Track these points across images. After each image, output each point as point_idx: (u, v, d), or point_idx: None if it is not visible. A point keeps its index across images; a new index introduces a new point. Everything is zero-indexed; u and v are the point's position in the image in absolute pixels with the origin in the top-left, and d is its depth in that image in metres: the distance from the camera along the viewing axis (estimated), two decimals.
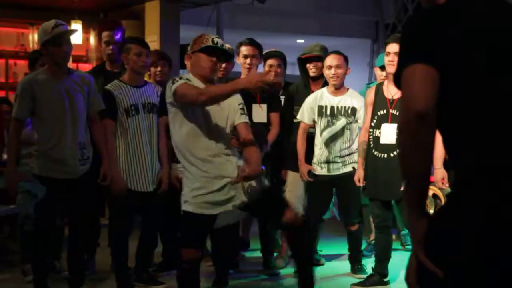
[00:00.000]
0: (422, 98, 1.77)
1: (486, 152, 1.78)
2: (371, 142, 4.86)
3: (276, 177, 5.37)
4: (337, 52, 5.29)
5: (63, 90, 4.36)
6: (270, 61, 5.46)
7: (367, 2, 12.23)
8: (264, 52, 5.47)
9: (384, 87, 4.90)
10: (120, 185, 4.55)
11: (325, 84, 5.37)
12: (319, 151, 5.22)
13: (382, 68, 5.69)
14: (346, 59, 5.25)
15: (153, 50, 6.16)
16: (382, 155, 4.78)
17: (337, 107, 5.18)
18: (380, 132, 4.80)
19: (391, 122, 4.75)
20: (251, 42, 5.29)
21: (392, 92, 4.81)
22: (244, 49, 5.26)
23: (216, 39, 3.93)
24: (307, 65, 5.46)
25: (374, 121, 4.85)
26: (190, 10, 8.93)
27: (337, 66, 5.15)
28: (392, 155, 4.69)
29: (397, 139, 4.60)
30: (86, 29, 8.76)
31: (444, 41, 1.81)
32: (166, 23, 8.32)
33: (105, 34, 5.23)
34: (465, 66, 1.81)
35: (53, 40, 4.29)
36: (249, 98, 4.81)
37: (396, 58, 4.67)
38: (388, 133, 4.75)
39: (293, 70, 7.30)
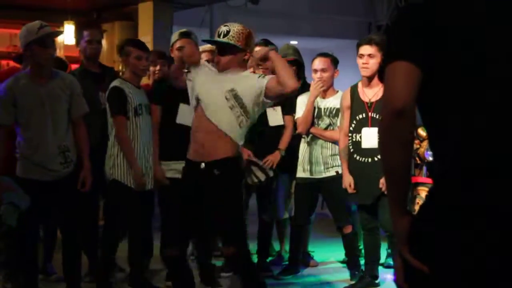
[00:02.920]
0: (401, 95, 1.78)
1: (462, 152, 1.78)
2: (351, 147, 4.80)
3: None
4: (324, 55, 5.22)
5: (44, 95, 4.32)
6: None
7: (359, 3, 12.23)
8: None
9: (360, 90, 4.84)
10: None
11: (303, 86, 5.28)
12: (302, 153, 5.19)
13: None
14: (334, 61, 5.18)
15: (152, 50, 6.15)
16: (365, 159, 4.73)
17: (323, 109, 5.15)
18: (360, 137, 4.75)
19: (372, 126, 4.70)
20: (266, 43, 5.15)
21: (369, 95, 4.77)
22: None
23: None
24: None
25: (353, 125, 4.80)
26: (183, 11, 8.93)
27: (323, 70, 5.09)
28: (376, 159, 4.63)
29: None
30: (79, 29, 8.71)
31: (429, 39, 1.81)
32: (159, 24, 8.33)
33: (87, 32, 5.12)
34: (450, 66, 1.81)
35: (39, 41, 4.24)
36: None
37: (370, 61, 4.74)
38: (370, 137, 4.69)
39: None
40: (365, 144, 4.72)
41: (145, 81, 5.29)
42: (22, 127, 4.33)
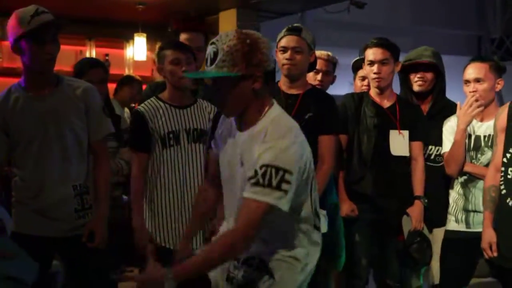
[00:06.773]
0: None
1: None
2: (503, 187, 3.32)
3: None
4: (480, 59, 3.74)
5: (46, 113, 3.03)
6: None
7: (468, 15, 10.92)
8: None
9: None
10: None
11: (435, 103, 4.02)
12: (455, 198, 3.74)
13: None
14: (496, 68, 3.66)
15: None
16: None
17: (484, 137, 3.68)
18: None
19: None
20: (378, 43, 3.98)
21: None
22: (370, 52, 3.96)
23: None
24: (411, 76, 4.06)
25: (508, 156, 3.32)
26: (271, 21, 7.75)
27: (477, 80, 3.62)
28: None
29: None
30: (151, 44, 7.62)
31: None
32: None
33: (186, 36, 3.87)
34: None
35: (31, 35, 2.93)
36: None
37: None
38: None
39: None
40: None
41: None
42: (17, 160, 3.06)
